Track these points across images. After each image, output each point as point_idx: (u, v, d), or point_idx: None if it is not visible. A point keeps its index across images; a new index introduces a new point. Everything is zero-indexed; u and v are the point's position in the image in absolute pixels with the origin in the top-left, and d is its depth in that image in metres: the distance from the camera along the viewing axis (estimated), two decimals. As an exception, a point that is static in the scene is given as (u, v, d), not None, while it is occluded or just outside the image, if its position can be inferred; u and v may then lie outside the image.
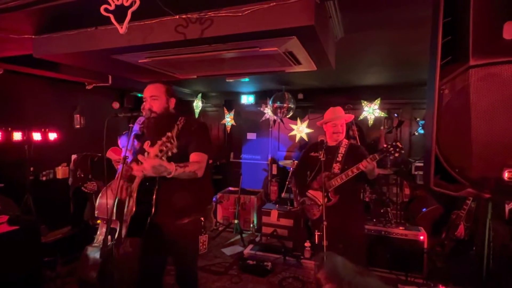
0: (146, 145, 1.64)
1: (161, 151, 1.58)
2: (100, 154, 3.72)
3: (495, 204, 1.39)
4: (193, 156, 1.85)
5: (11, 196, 3.15)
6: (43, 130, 3.95)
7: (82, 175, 3.81)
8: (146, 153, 1.64)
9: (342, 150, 2.51)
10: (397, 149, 2.15)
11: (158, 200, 1.82)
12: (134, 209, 1.82)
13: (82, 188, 3.83)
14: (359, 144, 3.09)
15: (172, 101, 1.99)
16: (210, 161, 1.99)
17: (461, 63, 1.01)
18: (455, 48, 1.05)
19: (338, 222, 2.29)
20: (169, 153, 1.60)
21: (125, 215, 1.87)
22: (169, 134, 1.61)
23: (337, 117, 2.54)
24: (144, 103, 1.97)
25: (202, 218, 1.98)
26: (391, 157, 2.18)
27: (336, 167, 2.44)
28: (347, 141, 2.59)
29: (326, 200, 2.33)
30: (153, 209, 1.81)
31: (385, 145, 2.22)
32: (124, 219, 1.87)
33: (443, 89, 1.05)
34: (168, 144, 1.58)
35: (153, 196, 1.81)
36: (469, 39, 0.97)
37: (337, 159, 2.47)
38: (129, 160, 2.16)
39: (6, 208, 2.87)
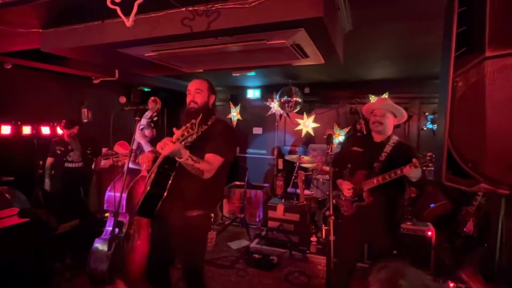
0: (175, 129, 1.69)
1: (182, 135, 1.62)
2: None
3: (507, 200, 1.36)
4: (208, 156, 1.85)
5: (21, 189, 3.20)
6: (51, 124, 3.99)
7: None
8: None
9: (387, 149, 2.20)
10: (433, 161, 1.92)
11: (172, 186, 1.83)
12: (148, 188, 1.83)
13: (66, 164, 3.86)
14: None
15: (212, 98, 2.09)
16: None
17: (476, 54, 0.98)
18: (470, 39, 1.01)
19: (369, 224, 2.15)
20: (189, 139, 1.65)
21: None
22: (193, 120, 1.63)
23: (379, 107, 2.25)
24: (187, 96, 2.03)
25: (212, 215, 1.97)
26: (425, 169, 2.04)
27: (377, 167, 2.17)
28: (397, 138, 2.25)
29: (356, 198, 2.20)
30: (165, 193, 1.82)
31: (428, 155, 1.96)
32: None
33: (457, 81, 1.02)
34: (190, 130, 1.60)
35: (169, 181, 1.82)
36: (486, 29, 0.94)
37: (380, 158, 2.19)
38: (146, 149, 2.43)
39: (17, 200, 2.91)
